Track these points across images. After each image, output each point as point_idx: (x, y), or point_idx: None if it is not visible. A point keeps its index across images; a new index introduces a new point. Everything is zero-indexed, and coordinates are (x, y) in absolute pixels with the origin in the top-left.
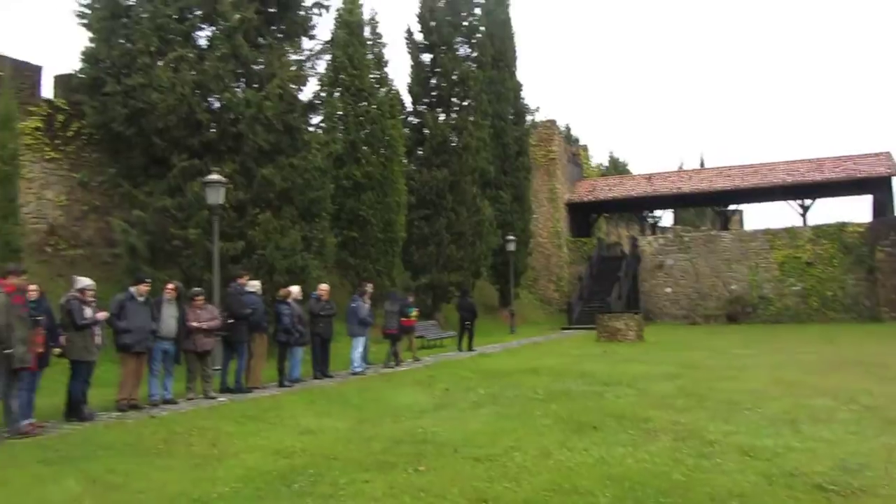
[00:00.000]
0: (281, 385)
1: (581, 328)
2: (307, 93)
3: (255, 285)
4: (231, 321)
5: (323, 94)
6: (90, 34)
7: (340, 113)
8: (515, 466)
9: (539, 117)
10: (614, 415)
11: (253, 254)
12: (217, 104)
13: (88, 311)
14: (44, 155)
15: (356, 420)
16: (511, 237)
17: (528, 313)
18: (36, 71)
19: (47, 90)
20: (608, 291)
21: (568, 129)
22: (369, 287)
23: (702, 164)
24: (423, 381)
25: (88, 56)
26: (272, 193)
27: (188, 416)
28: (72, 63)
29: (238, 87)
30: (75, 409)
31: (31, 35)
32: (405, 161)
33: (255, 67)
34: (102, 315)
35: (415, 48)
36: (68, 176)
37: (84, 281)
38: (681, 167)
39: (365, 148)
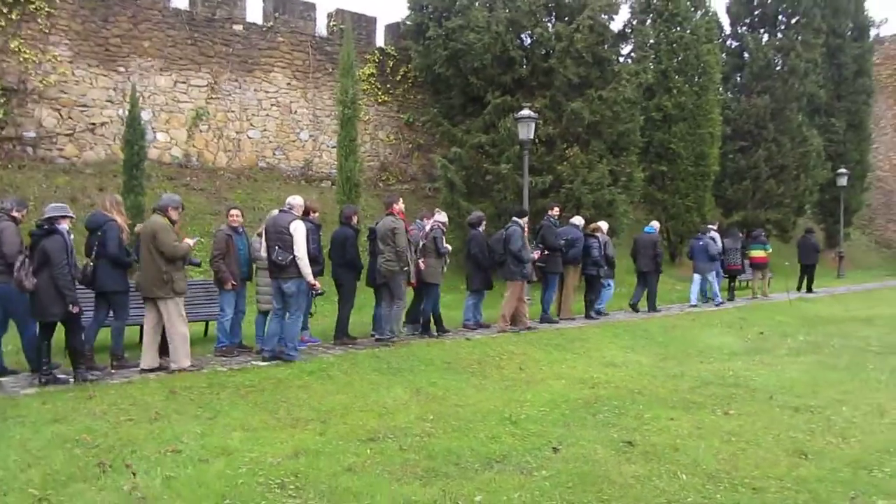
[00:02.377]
0: (588, 317)
1: None
2: (618, 22)
3: (578, 220)
4: (546, 253)
5: (634, 22)
6: None
7: (652, 41)
8: (842, 421)
9: (886, 31)
10: None
11: (560, 188)
12: (529, 40)
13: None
14: (377, 98)
15: (661, 357)
16: (843, 170)
17: (860, 257)
18: (371, 21)
19: (380, 39)
20: None
21: None
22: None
23: None
24: (733, 323)
25: (414, 3)
26: (580, 127)
27: (498, 340)
28: (400, 12)
29: (549, 21)
30: (427, 326)
31: None
32: (721, 89)
33: (566, 0)
34: (448, 248)
35: None
36: (396, 117)
37: (444, 215)
38: None
39: (677, 77)
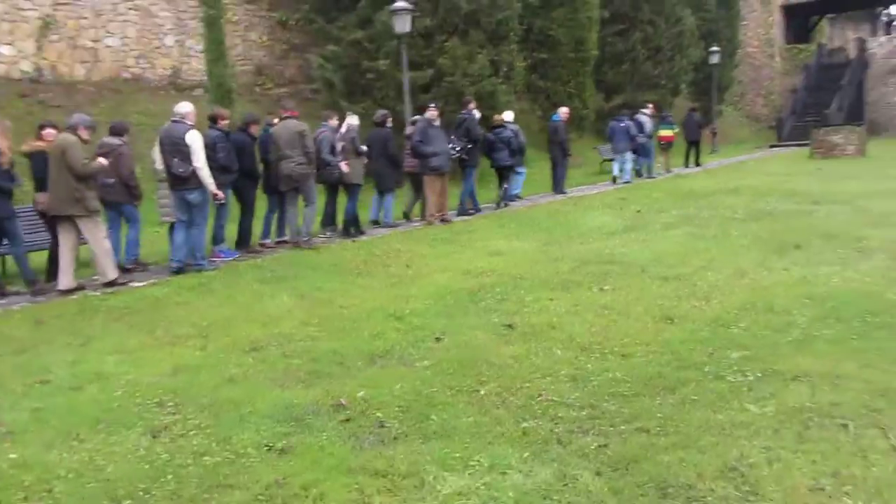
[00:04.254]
0: (504, 205)
1: (793, 145)
2: None
3: (509, 115)
4: (470, 146)
5: None
6: None
7: None
8: (706, 286)
9: None
10: (823, 234)
11: (442, 82)
12: None
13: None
14: None
15: (544, 242)
16: (715, 48)
17: (732, 131)
18: None
19: None
20: (826, 104)
21: None
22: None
23: None
24: (613, 203)
25: None
26: (458, 18)
27: (385, 239)
28: None
29: None
30: (352, 225)
31: None
32: None
33: None
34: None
35: None
36: (268, 16)
37: (356, 117)
38: None
39: None
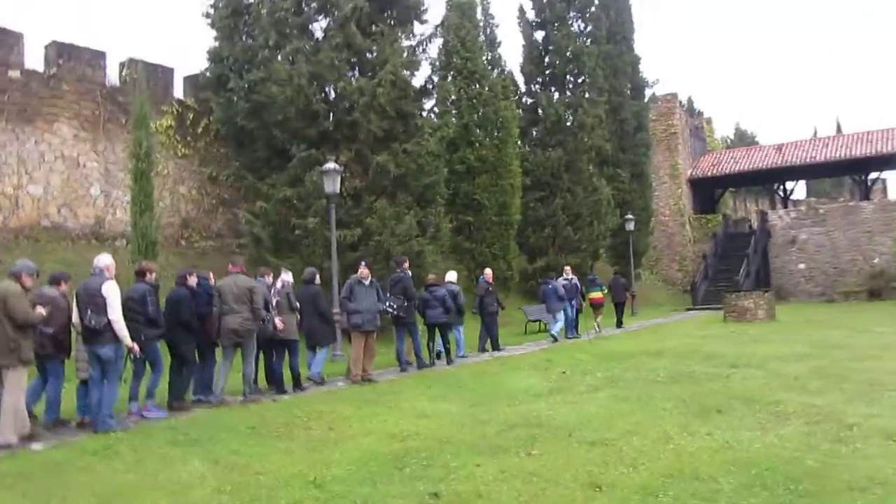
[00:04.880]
0: (433, 364)
1: (707, 308)
2: (420, 78)
3: (452, 275)
4: (406, 304)
5: (435, 79)
6: (214, 33)
7: (453, 97)
8: (633, 451)
9: (659, 91)
10: (742, 398)
11: (370, 241)
12: (332, 94)
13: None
14: (176, 152)
15: (471, 404)
16: (630, 216)
17: (650, 295)
18: (168, 72)
19: (178, 90)
20: (735, 270)
21: (690, 101)
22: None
23: (838, 130)
24: (539, 364)
25: (213, 55)
26: (387, 180)
27: (308, 399)
28: (200, 63)
29: (352, 75)
30: (295, 382)
31: (163, 39)
32: (519, 143)
33: (368, 55)
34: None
35: (527, 26)
36: (198, 171)
37: (290, 273)
38: (814, 135)
39: (478, 131)
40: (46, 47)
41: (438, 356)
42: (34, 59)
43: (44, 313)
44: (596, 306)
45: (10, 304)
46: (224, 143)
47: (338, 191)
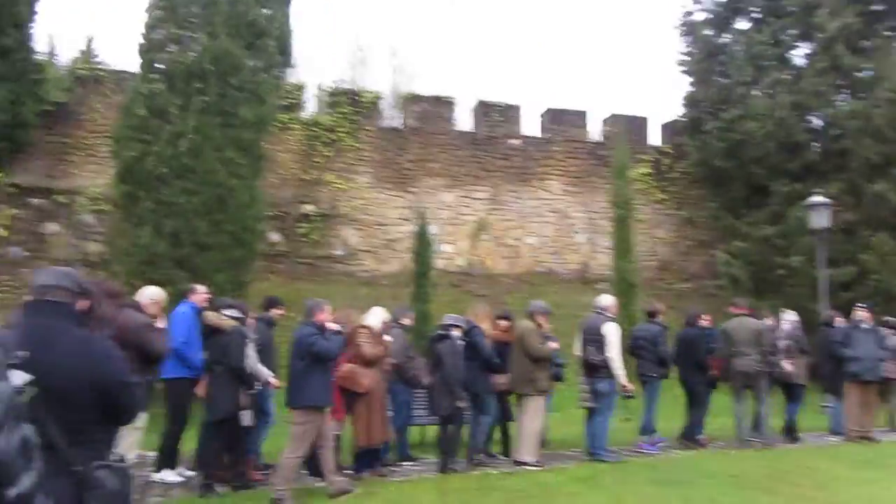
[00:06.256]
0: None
1: None
2: None
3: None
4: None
5: None
6: (690, 79)
7: None
8: None
9: None
10: None
11: (865, 279)
12: (817, 122)
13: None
14: (652, 197)
15: None
16: None
17: None
18: (643, 122)
19: (653, 137)
20: None
21: None
22: None
23: None
24: None
25: (689, 99)
26: (885, 211)
27: (792, 452)
28: (675, 110)
29: (841, 99)
30: (787, 432)
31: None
32: None
33: (859, 75)
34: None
35: None
36: (674, 214)
37: (795, 314)
38: None
39: None
40: (542, 115)
41: None
42: (529, 126)
43: (556, 346)
44: None
45: (526, 340)
46: (700, 185)
47: (827, 225)
